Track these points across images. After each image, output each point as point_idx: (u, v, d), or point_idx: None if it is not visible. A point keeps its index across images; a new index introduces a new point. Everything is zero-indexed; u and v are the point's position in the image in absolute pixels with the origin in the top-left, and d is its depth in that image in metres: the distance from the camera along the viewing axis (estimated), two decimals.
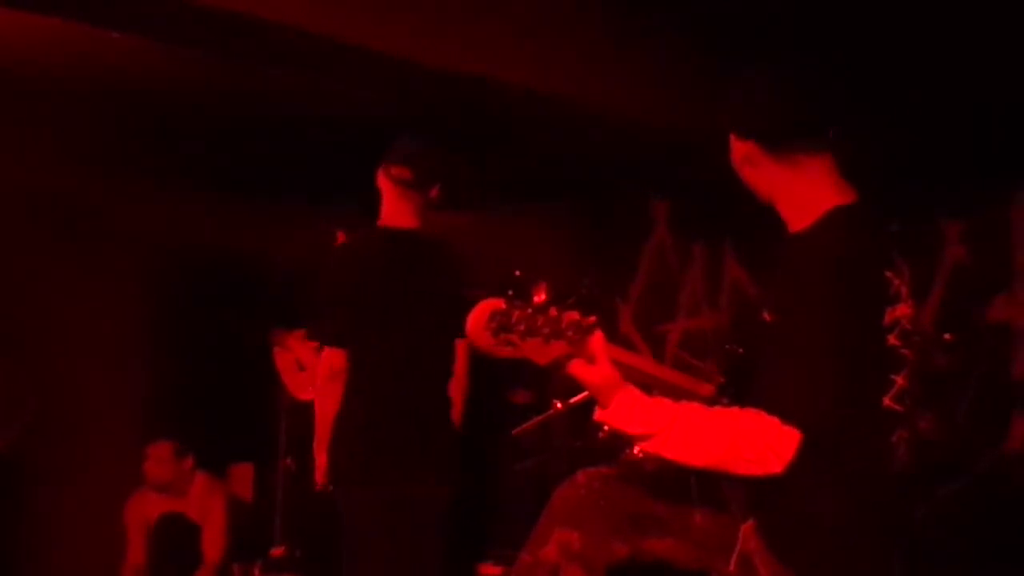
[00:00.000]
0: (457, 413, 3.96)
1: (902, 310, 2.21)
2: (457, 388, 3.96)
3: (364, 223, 3.95)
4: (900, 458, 2.25)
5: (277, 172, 5.96)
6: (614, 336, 2.20)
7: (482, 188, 5.52)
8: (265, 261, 6.16)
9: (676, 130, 4.72)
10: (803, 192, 2.30)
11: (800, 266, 2.21)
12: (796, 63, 2.38)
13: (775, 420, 2.07)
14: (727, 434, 2.11)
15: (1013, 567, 4.15)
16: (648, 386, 2.23)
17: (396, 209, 3.89)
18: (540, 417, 4.44)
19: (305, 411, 3.93)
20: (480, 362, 3.97)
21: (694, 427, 2.13)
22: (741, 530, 2.29)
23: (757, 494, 2.25)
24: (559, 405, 4.21)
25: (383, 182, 3.90)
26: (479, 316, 2.06)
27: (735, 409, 2.15)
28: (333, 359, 3.76)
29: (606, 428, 2.21)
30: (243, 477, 6.36)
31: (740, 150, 2.36)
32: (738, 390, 2.30)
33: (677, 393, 2.26)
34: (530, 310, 2.04)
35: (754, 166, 2.34)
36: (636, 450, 2.38)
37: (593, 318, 2.10)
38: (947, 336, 4.87)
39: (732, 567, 2.28)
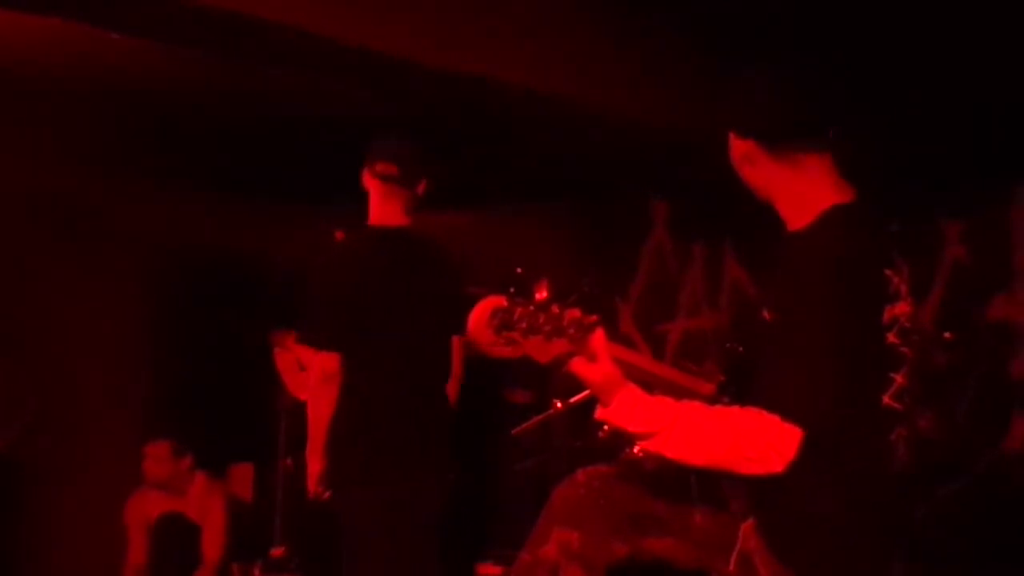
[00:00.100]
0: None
1: (901, 308, 2.21)
2: (452, 386, 3.96)
3: (363, 223, 3.94)
4: (900, 457, 2.26)
5: (277, 172, 5.97)
6: (614, 336, 2.20)
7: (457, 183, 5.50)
8: (265, 261, 6.16)
9: (676, 130, 4.72)
10: (802, 191, 2.31)
11: (800, 265, 2.22)
12: (796, 63, 2.38)
13: (776, 419, 2.07)
14: (729, 433, 2.11)
15: (1013, 567, 4.16)
16: (649, 384, 2.23)
17: (385, 208, 3.85)
18: (540, 417, 4.45)
19: (305, 411, 3.92)
20: (480, 361, 3.97)
21: (696, 426, 2.13)
22: (741, 529, 2.29)
23: (757, 493, 2.25)
24: (559, 405, 4.22)
25: (369, 181, 3.86)
26: (481, 313, 2.06)
27: (737, 408, 2.15)
28: (326, 363, 3.72)
29: (607, 427, 2.21)
30: (243, 477, 6.36)
31: (739, 149, 2.36)
32: (739, 389, 2.30)
33: (678, 392, 2.26)
34: (532, 307, 2.04)
35: (753, 165, 2.34)
36: (636, 449, 2.38)
37: (595, 316, 2.10)
38: (947, 335, 4.88)
39: (732, 567, 2.29)
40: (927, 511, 4.21)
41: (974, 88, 4.42)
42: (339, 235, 4.06)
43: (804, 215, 2.29)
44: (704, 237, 5.91)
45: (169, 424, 5.58)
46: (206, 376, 6.16)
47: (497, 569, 5.32)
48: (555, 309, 2.06)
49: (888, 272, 2.21)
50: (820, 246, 2.21)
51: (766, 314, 2.24)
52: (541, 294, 2.05)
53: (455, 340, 3.93)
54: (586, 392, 2.27)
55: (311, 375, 3.87)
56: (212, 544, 5.44)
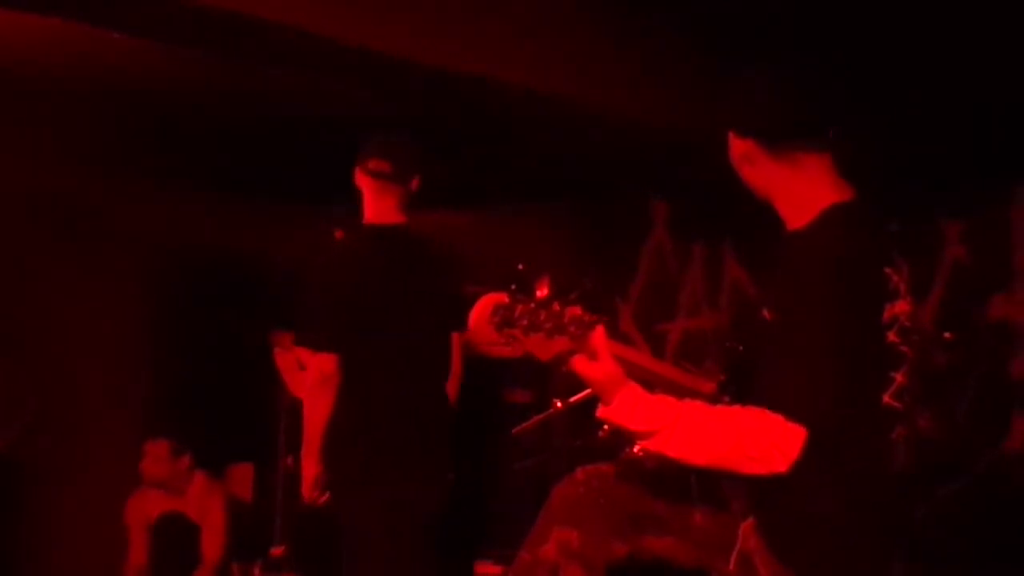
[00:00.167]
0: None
1: (901, 306, 2.21)
2: (452, 384, 3.95)
3: (358, 222, 3.93)
4: (900, 457, 2.26)
5: (277, 172, 5.96)
6: (614, 335, 2.19)
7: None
8: (265, 261, 6.16)
9: (676, 130, 4.72)
10: (801, 190, 2.31)
11: (799, 265, 2.22)
12: (796, 63, 2.38)
13: (780, 418, 2.07)
14: (732, 432, 2.10)
15: (1013, 567, 4.16)
16: (650, 383, 2.23)
17: (379, 205, 3.83)
18: (540, 416, 4.44)
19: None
20: (480, 361, 3.97)
21: (698, 425, 2.13)
22: (741, 529, 2.28)
23: (757, 493, 2.25)
24: (559, 404, 4.22)
25: (362, 179, 3.84)
26: (482, 310, 2.06)
27: (739, 407, 2.15)
28: (323, 364, 3.71)
29: (608, 425, 2.21)
30: (243, 477, 6.36)
31: (739, 148, 2.36)
32: (740, 388, 2.30)
33: (679, 390, 2.26)
34: (533, 304, 2.04)
35: (753, 164, 2.34)
36: (637, 448, 2.38)
37: (597, 315, 2.10)
38: (947, 335, 4.88)
39: (732, 566, 2.28)
40: (927, 511, 4.21)
41: (974, 88, 4.42)
42: (338, 235, 4.06)
43: (804, 215, 2.29)
44: (704, 237, 5.91)
45: (169, 424, 5.58)
46: (206, 376, 6.15)
47: (497, 568, 5.32)
48: (556, 306, 2.06)
49: (887, 271, 2.21)
50: (820, 246, 2.21)
51: (766, 314, 2.24)
52: (542, 291, 2.05)
53: (455, 338, 3.93)
54: (586, 391, 2.27)
55: (308, 376, 3.86)
56: (212, 544, 5.44)
